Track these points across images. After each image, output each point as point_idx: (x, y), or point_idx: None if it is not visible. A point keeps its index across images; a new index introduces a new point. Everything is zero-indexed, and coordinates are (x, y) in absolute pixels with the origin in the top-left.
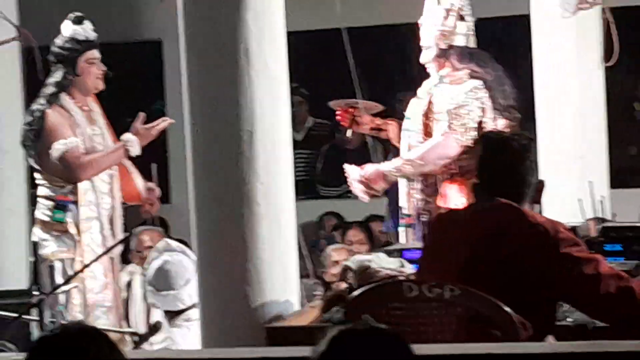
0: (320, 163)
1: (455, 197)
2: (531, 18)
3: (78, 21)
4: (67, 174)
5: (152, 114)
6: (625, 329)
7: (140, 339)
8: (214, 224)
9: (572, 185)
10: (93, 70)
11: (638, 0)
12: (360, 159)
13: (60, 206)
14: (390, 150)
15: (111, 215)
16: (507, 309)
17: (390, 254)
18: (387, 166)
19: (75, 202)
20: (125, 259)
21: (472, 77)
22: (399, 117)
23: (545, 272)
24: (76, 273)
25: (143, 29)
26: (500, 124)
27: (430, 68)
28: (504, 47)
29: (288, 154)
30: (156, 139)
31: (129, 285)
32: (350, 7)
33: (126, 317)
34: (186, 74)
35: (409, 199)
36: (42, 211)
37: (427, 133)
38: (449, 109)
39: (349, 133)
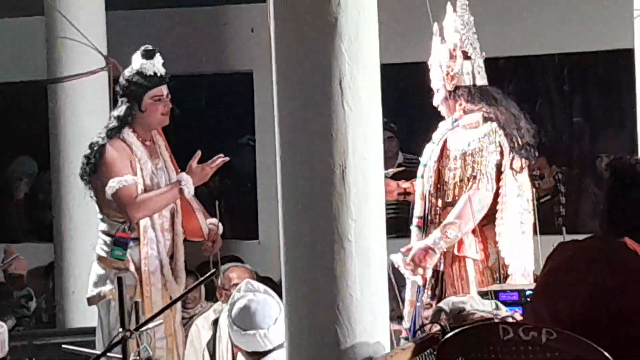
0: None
1: (467, 244)
2: (636, 52)
3: (148, 55)
4: (121, 212)
5: (240, 148)
6: None
7: None
8: (304, 260)
9: None
10: (158, 108)
11: None
12: None
13: (119, 242)
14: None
15: (172, 252)
16: (607, 354)
17: (484, 295)
18: (429, 240)
19: (136, 239)
20: (212, 296)
21: (485, 119)
22: None
23: None
24: (162, 310)
25: (234, 60)
26: (517, 164)
27: (442, 111)
28: (607, 81)
29: (380, 190)
30: (243, 172)
31: (215, 323)
32: None
33: (213, 356)
34: (277, 106)
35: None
36: (101, 246)
37: (440, 179)
38: (464, 154)
39: None
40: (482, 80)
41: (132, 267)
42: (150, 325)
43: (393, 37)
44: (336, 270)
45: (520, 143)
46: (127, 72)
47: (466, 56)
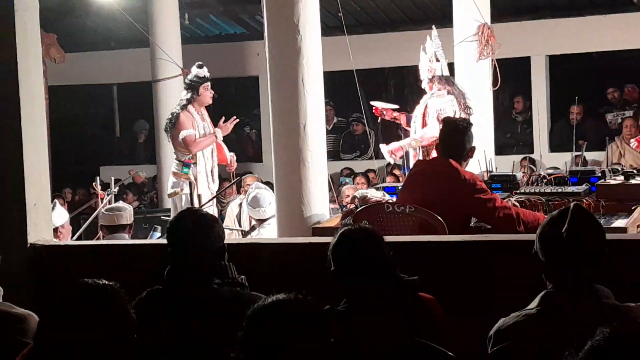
0: (341, 141)
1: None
2: (455, 63)
3: (200, 66)
4: (186, 149)
5: (253, 120)
6: (504, 230)
7: (245, 233)
8: (285, 173)
9: (475, 153)
10: (207, 94)
11: (510, 54)
12: (363, 139)
13: (185, 165)
14: (379, 136)
15: (212, 170)
16: (440, 218)
17: (377, 189)
18: (403, 142)
19: (194, 163)
20: (238, 191)
21: (448, 93)
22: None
23: (465, 207)
24: (212, 198)
25: (248, 69)
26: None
27: (426, 88)
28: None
29: (323, 136)
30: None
31: (239, 205)
32: (358, 55)
33: (239, 222)
34: (270, 94)
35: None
36: (175, 166)
37: (424, 124)
38: (435, 110)
39: (379, 120)
40: (446, 72)
41: (192, 177)
42: (205, 206)
43: (331, 55)
44: (301, 178)
45: (465, 106)
46: (189, 77)
47: (437, 60)
